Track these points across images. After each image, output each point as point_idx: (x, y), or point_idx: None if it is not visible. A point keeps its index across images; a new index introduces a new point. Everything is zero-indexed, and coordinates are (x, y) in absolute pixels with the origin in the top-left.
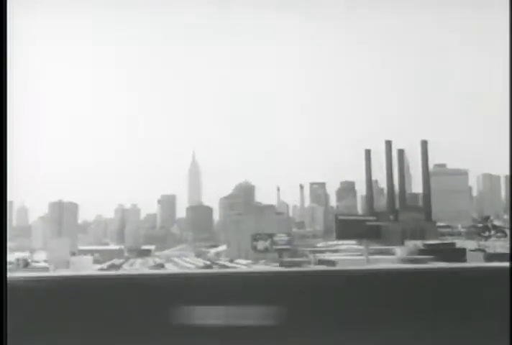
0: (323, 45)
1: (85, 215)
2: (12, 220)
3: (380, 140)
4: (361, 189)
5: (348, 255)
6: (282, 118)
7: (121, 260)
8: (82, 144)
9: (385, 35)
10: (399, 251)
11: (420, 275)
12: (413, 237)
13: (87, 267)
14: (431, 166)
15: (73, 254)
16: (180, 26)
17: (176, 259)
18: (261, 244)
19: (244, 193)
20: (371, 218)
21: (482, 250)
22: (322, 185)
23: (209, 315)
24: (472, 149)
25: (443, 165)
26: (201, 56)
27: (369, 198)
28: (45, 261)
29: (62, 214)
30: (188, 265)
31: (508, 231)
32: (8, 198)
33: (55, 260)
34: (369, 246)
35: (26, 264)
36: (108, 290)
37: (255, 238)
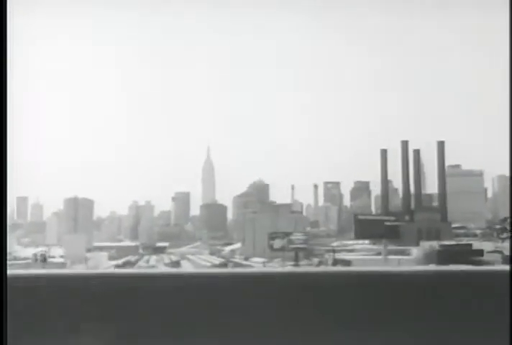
0: (326, 45)
1: (99, 211)
2: (27, 216)
3: (395, 140)
4: (375, 189)
5: (364, 255)
6: (297, 116)
7: (136, 257)
8: (96, 141)
9: (391, 34)
10: (415, 251)
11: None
12: (429, 238)
13: (102, 263)
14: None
15: (89, 250)
16: (180, 26)
17: (191, 257)
18: (278, 243)
19: (258, 192)
20: (390, 218)
21: (500, 251)
22: (336, 184)
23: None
24: (486, 151)
25: (457, 166)
26: (206, 53)
27: (385, 198)
28: (61, 256)
29: (78, 210)
30: (204, 263)
31: None
32: (23, 194)
33: (71, 256)
34: (387, 247)
35: (44, 259)
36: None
37: (272, 236)
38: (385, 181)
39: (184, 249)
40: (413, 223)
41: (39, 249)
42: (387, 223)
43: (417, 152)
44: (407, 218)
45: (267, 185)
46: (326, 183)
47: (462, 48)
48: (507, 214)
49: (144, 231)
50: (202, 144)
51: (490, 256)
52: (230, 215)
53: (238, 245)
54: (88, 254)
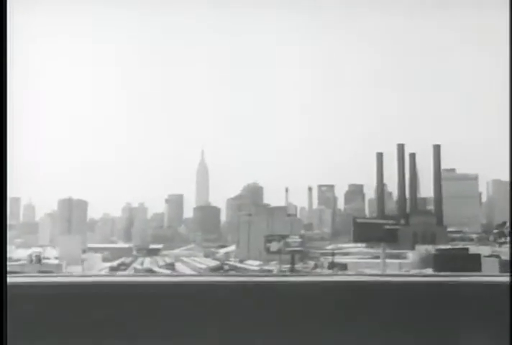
0: (324, 46)
1: (92, 213)
2: (19, 217)
3: (390, 143)
4: (369, 192)
5: (359, 258)
6: (293, 119)
7: (130, 259)
8: (90, 142)
9: (390, 36)
10: (411, 255)
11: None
12: (424, 242)
13: (97, 265)
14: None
15: (83, 251)
16: (181, 26)
17: (186, 259)
18: (274, 246)
19: (252, 194)
20: (388, 221)
21: (497, 256)
22: (331, 187)
23: None
24: (481, 155)
25: (452, 170)
26: (205, 54)
27: (381, 201)
28: (56, 258)
29: (71, 211)
30: (199, 265)
31: None
32: (15, 195)
33: (66, 257)
34: (385, 250)
35: (39, 260)
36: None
37: (268, 239)
38: (381, 184)
39: (178, 251)
40: (409, 226)
41: (34, 250)
42: (386, 227)
43: (413, 156)
44: (402, 221)
45: (261, 188)
46: (320, 186)
47: (462, 48)
48: (501, 219)
49: (138, 233)
50: (196, 147)
51: (488, 261)
52: (224, 217)
53: (232, 247)
54: (83, 256)
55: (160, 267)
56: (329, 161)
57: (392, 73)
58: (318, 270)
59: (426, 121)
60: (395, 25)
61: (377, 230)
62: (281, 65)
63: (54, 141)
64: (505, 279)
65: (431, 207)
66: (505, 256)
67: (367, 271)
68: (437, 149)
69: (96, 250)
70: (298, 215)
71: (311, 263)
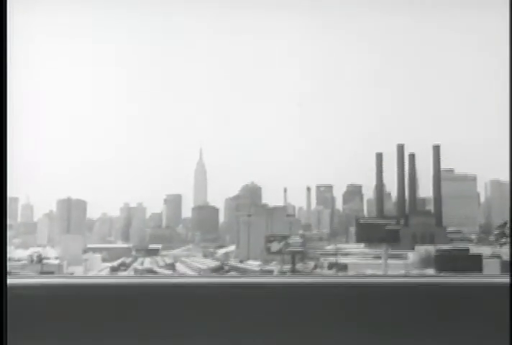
0: (323, 46)
1: (89, 213)
2: (17, 217)
3: (389, 143)
4: (367, 193)
5: (359, 259)
6: (291, 118)
7: (130, 259)
8: (86, 142)
9: (389, 36)
10: (411, 255)
11: None
12: (423, 242)
13: (96, 265)
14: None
15: (84, 251)
16: (180, 25)
17: (185, 259)
18: (275, 246)
19: (251, 194)
20: (391, 221)
21: (498, 256)
22: (329, 187)
23: None
24: (480, 155)
25: (450, 170)
26: (205, 54)
27: (380, 202)
28: (56, 258)
29: (71, 211)
30: (199, 265)
31: None
32: (13, 195)
33: (67, 257)
34: (388, 251)
35: (40, 260)
36: None
37: (269, 239)
38: (381, 185)
39: (177, 251)
40: (408, 227)
41: (35, 250)
42: (388, 227)
43: (412, 156)
44: (402, 222)
45: (260, 188)
46: (318, 186)
47: (462, 48)
48: (499, 219)
49: (136, 233)
50: (194, 146)
51: (489, 262)
52: (222, 217)
53: (231, 248)
54: (84, 256)
55: (161, 267)
56: (328, 161)
57: (392, 73)
58: (318, 270)
59: (425, 121)
60: (395, 25)
61: (380, 230)
62: (281, 64)
63: (51, 141)
64: (505, 280)
65: (429, 207)
66: (507, 257)
67: (369, 271)
68: (437, 149)
69: (94, 250)
70: (296, 216)
71: (311, 263)
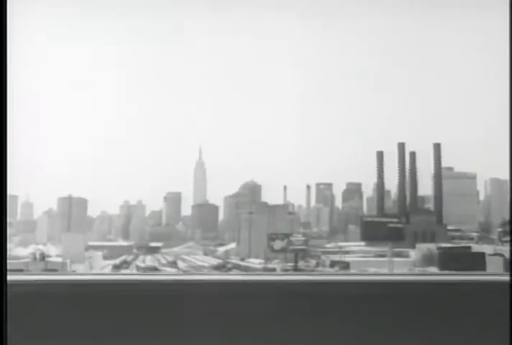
0: (322, 45)
1: (89, 210)
2: (17, 214)
3: (388, 141)
4: (366, 191)
5: (361, 257)
6: (291, 116)
7: (132, 257)
8: (87, 138)
9: (389, 35)
10: (413, 254)
11: None
12: (424, 240)
13: (98, 263)
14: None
15: (86, 249)
16: (180, 26)
17: (186, 257)
18: (278, 244)
19: (250, 192)
20: (395, 219)
21: (501, 255)
22: (329, 185)
23: None
24: (479, 153)
25: (450, 169)
26: (205, 54)
27: (381, 200)
28: (58, 255)
29: (71, 209)
30: (200, 263)
31: None
32: (13, 193)
33: (69, 255)
34: (392, 249)
35: (43, 258)
36: None
37: (272, 237)
38: (381, 183)
39: (177, 249)
40: (409, 225)
41: (37, 248)
42: (392, 225)
43: (413, 155)
44: (403, 220)
45: (259, 186)
46: (318, 184)
47: (462, 48)
48: (499, 217)
49: (136, 231)
50: (194, 144)
51: (492, 260)
52: (221, 215)
53: (232, 245)
54: (86, 254)
55: (163, 265)
56: (328, 159)
57: (393, 72)
58: (319, 268)
59: (426, 119)
60: (395, 24)
61: (385, 229)
62: (280, 63)
63: (50, 139)
64: (506, 278)
65: (429, 205)
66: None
67: (371, 270)
68: (437, 147)
69: (95, 248)
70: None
71: (313, 261)
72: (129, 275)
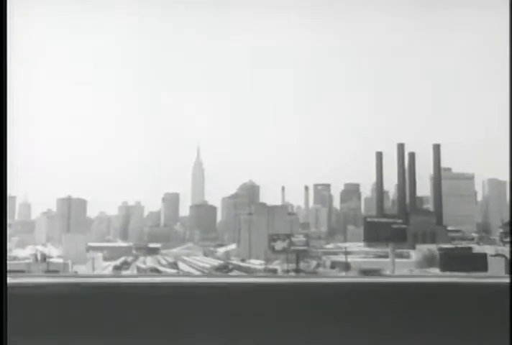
0: (323, 46)
1: (87, 211)
2: (15, 215)
3: (386, 142)
4: (364, 191)
5: (362, 258)
6: (290, 117)
7: (132, 258)
8: (86, 139)
9: (388, 36)
10: (414, 254)
11: None
12: (424, 241)
13: (98, 264)
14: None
15: (86, 250)
16: (179, 25)
17: (187, 258)
18: (279, 245)
19: (248, 193)
20: (398, 220)
21: (503, 255)
22: (327, 186)
23: None
24: (477, 153)
25: (448, 169)
26: (204, 54)
27: (380, 200)
28: (59, 256)
29: (71, 210)
30: (201, 264)
31: None
32: (11, 193)
33: (70, 256)
34: (395, 250)
35: (44, 259)
36: None
37: (273, 238)
38: (381, 183)
39: (177, 250)
40: (409, 226)
41: (38, 249)
42: (396, 226)
43: (412, 155)
44: (408, 221)
45: (258, 187)
46: (316, 185)
47: (462, 48)
48: (497, 218)
49: (134, 232)
50: (192, 144)
51: (494, 260)
52: (219, 216)
53: (232, 246)
54: (87, 255)
55: (164, 266)
56: (326, 160)
57: (393, 73)
58: (320, 269)
59: (425, 120)
60: (395, 25)
61: (388, 229)
62: (279, 64)
63: (48, 141)
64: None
65: (427, 206)
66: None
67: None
68: (437, 148)
69: (95, 249)
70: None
71: (313, 262)
72: (131, 278)
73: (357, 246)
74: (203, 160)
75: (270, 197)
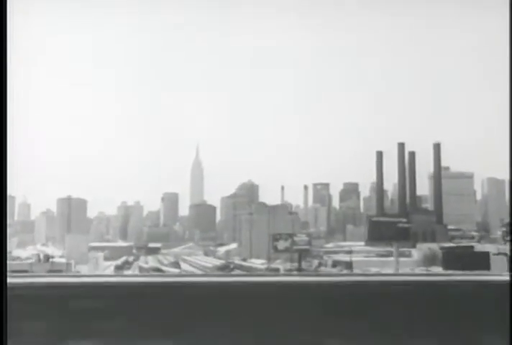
0: (323, 45)
1: (87, 211)
2: (14, 215)
3: (385, 142)
4: (363, 190)
5: (363, 257)
6: (289, 117)
7: (132, 257)
8: (85, 140)
9: (388, 37)
10: (415, 253)
11: None
12: (425, 240)
13: (100, 264)
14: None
15: (88, 250)
16: (178, 25)
17: (188, 258)
18: (282, 244)
19: (248, 192)
20: (402, 219)
21: (505, 254)
22: (326, 185)
23: None
24: (477, 152)
25: (447, 168)
26: (204, 54)
27: (380, 199)
28: (61, 256)
29: (71, 210)
30: (203, 263)
31: None
32: (10, 194)
33: (73, 256)
34: (399, 248)
35: (47, 259)
36: None
37: (276, 238)
38: (381, 183)
39: (177, 249)
40: (410, 224)
41: (40, 249)
42: (401, 225)
43: (412, 155)
44: (412, 220)
45: (257, 186)
46: (315, 184)
47: (462, 49)
48: (496, 216)
49: (134, 232)
50: (191, 144)
51: (496, 259)
52: (218, 215)
53: (232, 246)
54: (89, 255)
55: (166, 265)
56: (325, 159)
57: (393, 73)
58: (322, 268)
59: (425, 119)
60: (395, 25)
61: (392, 229)
62: (279, 63)
63: (47, 141)
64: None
65: (427, 205)
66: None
67: (373, 270)
68: (437, 147)
69: (96, 249)
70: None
71: (315, 261)
72: (134, 277)
73: (358, 245)
74: (202, 160)
75: (269, 196)
